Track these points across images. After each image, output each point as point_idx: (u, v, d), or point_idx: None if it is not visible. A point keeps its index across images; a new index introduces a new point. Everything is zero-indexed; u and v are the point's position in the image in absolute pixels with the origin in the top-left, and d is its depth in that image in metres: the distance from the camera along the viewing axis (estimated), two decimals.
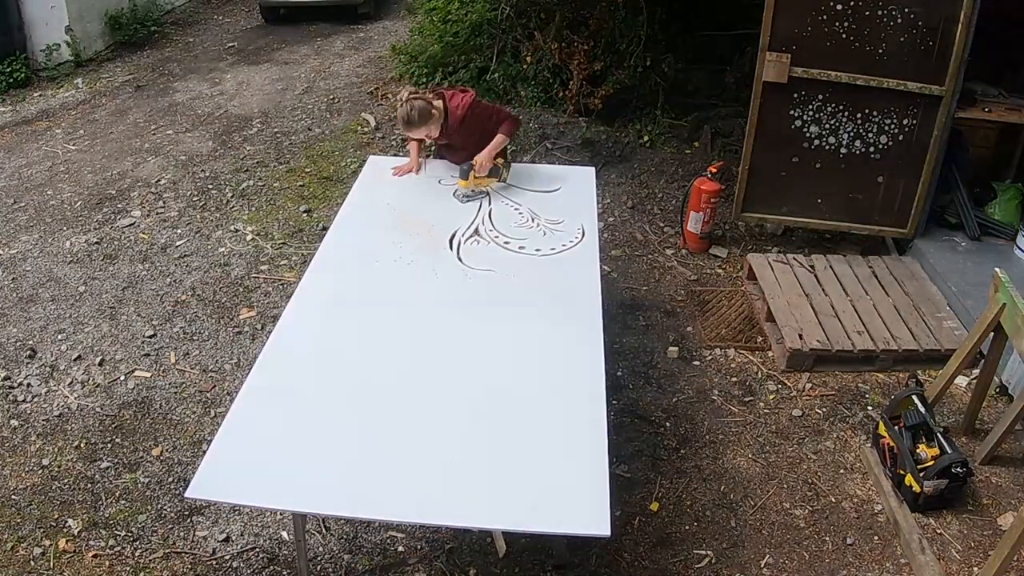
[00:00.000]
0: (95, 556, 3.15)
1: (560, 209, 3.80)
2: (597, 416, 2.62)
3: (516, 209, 3.81)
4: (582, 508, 2.33)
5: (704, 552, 3.23)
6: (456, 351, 2.93)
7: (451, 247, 3.49)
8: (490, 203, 3.85)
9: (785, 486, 3.53)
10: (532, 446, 2.54)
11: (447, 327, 3.04)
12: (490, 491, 2.40)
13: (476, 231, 3.61)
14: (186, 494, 2.39)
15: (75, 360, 4.16)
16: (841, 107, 4.61)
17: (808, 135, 4.71)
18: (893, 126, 4.61)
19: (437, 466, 2.46)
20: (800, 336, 4.14)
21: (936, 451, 3.29)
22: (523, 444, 2.55)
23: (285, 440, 2.53)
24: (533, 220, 3.72)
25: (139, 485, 3.46)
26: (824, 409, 3.94)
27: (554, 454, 2.51)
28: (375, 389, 2.75)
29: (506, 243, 3.54)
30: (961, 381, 3.95)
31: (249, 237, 5.19)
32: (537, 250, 3.51)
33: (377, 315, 3.10)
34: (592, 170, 4.28)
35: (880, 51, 4.43)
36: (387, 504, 2.37)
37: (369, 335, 2.99)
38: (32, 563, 3.12)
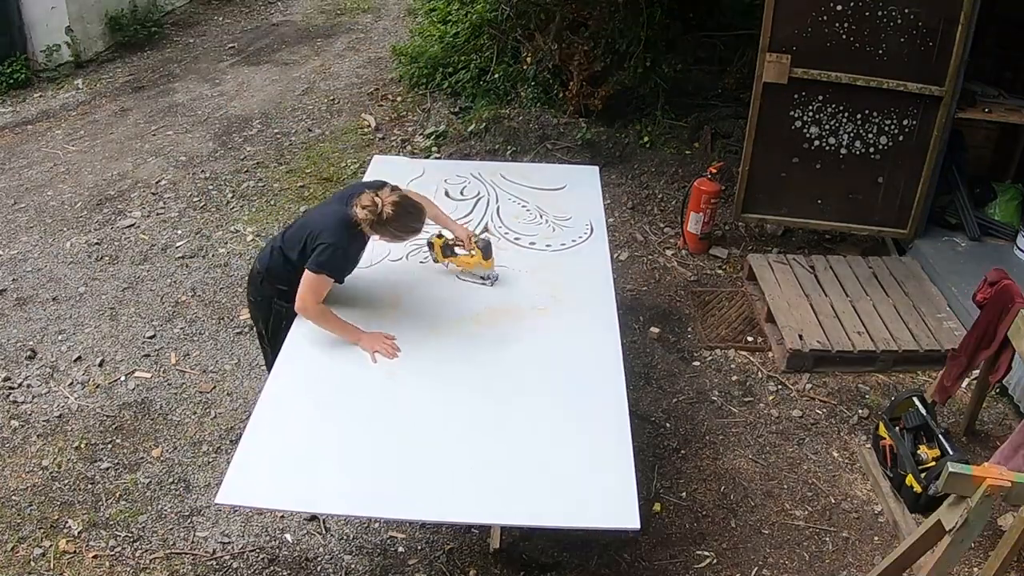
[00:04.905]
0: (95, 557, 3.15)
1: (567, 207, 3.82)
2: (620, 413, 2.66)
3: (523, 206, 3.82)
4: (611, 504, 2.37)
5: (704, 552, 3.23)
6: (475, 349, 2.95)
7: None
8: (497, 200, 3.86)
9: (785, 487, 3.54)
10: (558, 443, 2.57)
11: (464, 325, 3.06)
12: (521, 490, 2.43)
13: (486, 228, 3.63)
14: (216, 500, 2.43)
15: (75, 361, 4.16)
16: (841, 108, 4.61)
17: (808, 136, 4.71)
18: (893, 127, 4.61)
19: (468, 466, 2.49)
20: (800, 337, 4.14)
21: (937, 452, 3.29)
22: (549, 441, 2.58)
23: (311, 444, 2.55)
24: (541, 216, 3.74)
25: (139, 486, 3.46)
26: (824, 410, 3.95)
27: (580, 451, 2.54)
28: (396, 390, 2.76)
29: (516, 239, 3.57)
30: (961, 382, 3.95)
31: (249, 238, 5.19)
32: (548, 245, 3.54)
33: (391, 314, 3.10)
34: (596, 169, 4.28)
35: (880, 52, 4.43)
36: (418, 504, 2.40)
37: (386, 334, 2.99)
38: (32, 563, 3.12)
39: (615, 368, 2.84)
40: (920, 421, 3.41)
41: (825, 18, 4.40)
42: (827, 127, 4.67)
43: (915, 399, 3.50)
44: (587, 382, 2.80)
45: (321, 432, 2.60)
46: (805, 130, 4.70)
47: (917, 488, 3.24)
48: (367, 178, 4.07)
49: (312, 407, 2.70)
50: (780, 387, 4.09)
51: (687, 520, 3.37)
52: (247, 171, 6.01)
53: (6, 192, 5.70)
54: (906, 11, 4.31)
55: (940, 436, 3.32)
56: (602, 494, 2.40)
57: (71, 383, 4.02)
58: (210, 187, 5.79)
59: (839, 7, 4.36)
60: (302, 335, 2.98)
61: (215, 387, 4.01)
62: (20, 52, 7.41)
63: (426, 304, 3.16)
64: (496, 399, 2.73)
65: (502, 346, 2.96)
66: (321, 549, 3.20)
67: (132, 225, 5.33)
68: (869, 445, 3.66)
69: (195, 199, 5.63)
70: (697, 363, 4.25)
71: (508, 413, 2.68)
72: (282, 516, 3.32)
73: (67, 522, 3.29)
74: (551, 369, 2.86)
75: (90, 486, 3.46)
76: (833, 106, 4.61)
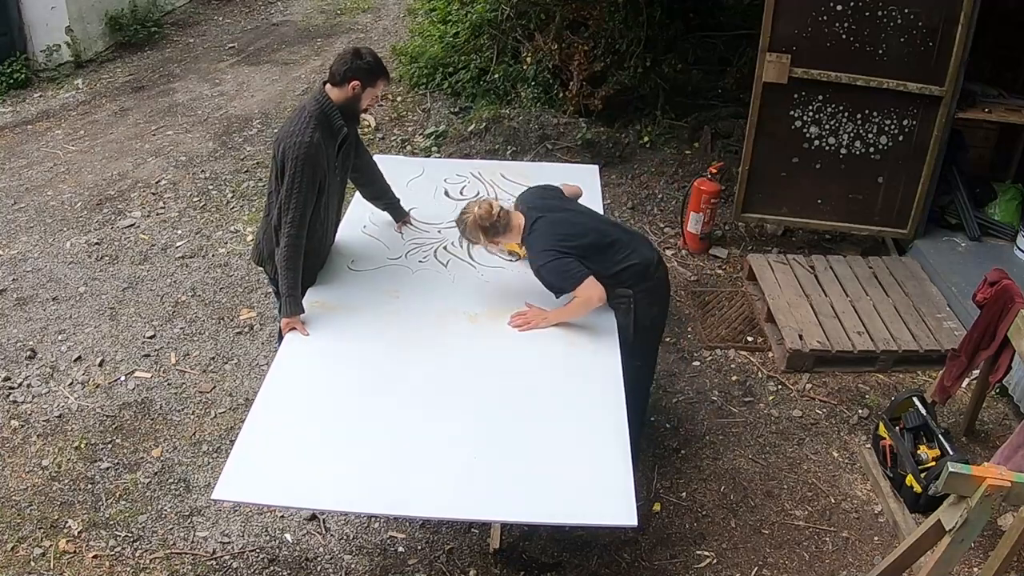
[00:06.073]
0: (95, 557, 3.15)
1: None
2: (619, 413, 2.66)
3: None
4: (609, 501, 2.38)
5: (704, 552, 3.23)
6: (474, 348, 2.95)
7: (461, 244, 3.50)
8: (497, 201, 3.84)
9: (785, 486, 3.54)
10: (556, 441, 2.58)
11: (463, 325, 3.06)
12: (519, 487, 2.43)
13: None
14: (212, 496, 2.42)
15: (75, 361, 4.16)
16: (841, 108, 4.61)
17: (808, 136, 4.71)
18: (893, 126, 4.61)
19: (466, 463, 2.49)
20: (800, 337, 4.14)
21: (937, 452, 3.29)
22: (547, 439, 2.58)
23: (310, 441, 2.55)
24: None
25: (139, 485, 3.46)
26: (824, 410, 3.95)
27: (579, 449, 2.54)
28: (395, 388, 2.76)
29: None
30: (961, 382, 3.95)
31: (249, 238, 5.18)
32: None
33: (391, 312, 3.11)
34: (595, 168, 4.27)
35: (880, 51, 4.43)
36: (417, 502, 2.40)
37: (385, 334, 3.00)
38: (32, 563, 3.12)
39: (614, 368, 2.85)
40: (920, 421, 3.41)
41: (825, 18, 4.40)
42: (827, 127, 4.67)
43: (915, 399, 3.50)
44: (586, 381, 2.81)
45: (320, 429, 2.60)
46: (805, 130, 4.70)
47: (917, 488, 3.24)
48: None
49: (311, 404, 2.69)
50: (780, 387, 4.09)
51: (687, 520, 3.37)
52: (247, 171, 6.01)
53: (6, 192, 5.70)
54: (906, 11, 4.31)
55: (940, 436, 3.32)
56: (600, 491, 2.41)
57: (71, 383, 4.02)
58: (210, 187, 5.79)
59: (839, 7, 4.36)
60: (300, 334, 2.98)
61: (215, 387, 4.01)
62: (20, 52, 7.41)
63: (426, 303, 3.16)
64: (495, 397, 2.74)
65: (501, 345, 2.96)
66: (321, 549, 3.20)
67: (132, 225, 5.33)
68: (869, 445, 3.66)
69: (195, 199, 5.63)
70: (697, 363, 4.25)
71: (506, 412, 2.68)
72: (282, 516, 3.32)
73: (67, 522, 3.29)
74: (550, 369, 2.87)
75: (90, 486, 3.46)
76: (833, 106, 4.61)
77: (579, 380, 2.82)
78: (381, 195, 3.59)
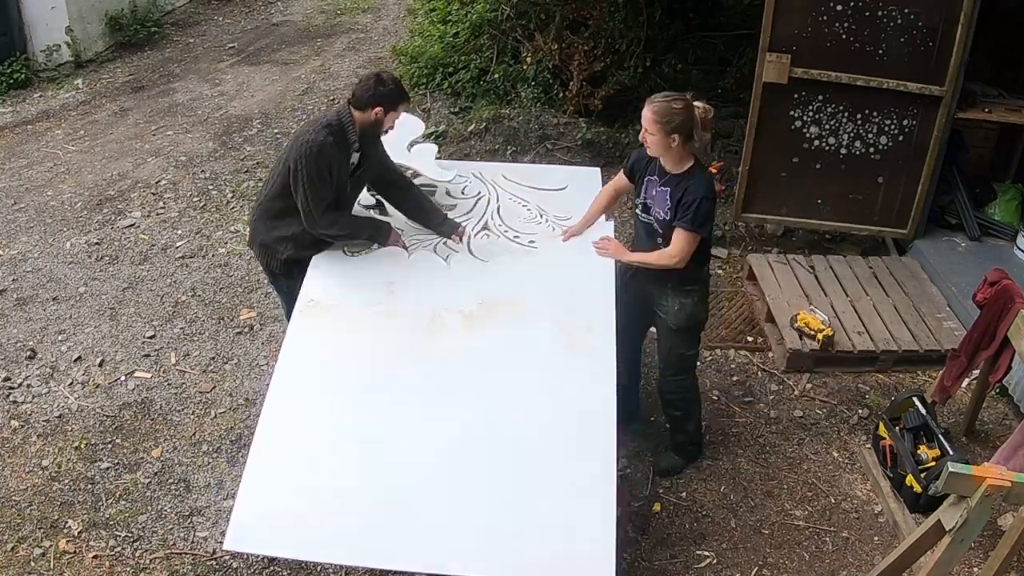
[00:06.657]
0: (95, 557, 3.15)
1: (567, 207, 3.78)
2: (608, 465, 2.65)
3: (524, 206, 3.80)
4: (592, 562, 2.42)
5: (704, 552, 3.23)
6: (472, 361, 2.95)
7: (461, 240, 3.50)
8: (498, 200, 3.85)
9: (785, 486, 3.54)
10: (544, 494, 2.60)
11: (458, 333, 3.05)
12: (508, 542, 2.49)
13: (485, 225, 3.62)
14: (224, 547, 2.51)
15: (75, 361, 4.16)
16: (841, 108, 4.61)
17: (808, 136, 4.71)
18: (893, 127, 4.61)
19: (454, 514, 2.54)
20: (800, 337, 4.14)
21: (937, 452, 3.29)
22: (535, 492, 2.61)
23: (307, 490, 2.61)
24: (541, 216, 3.72)
25: (139, 485, 3.46)
26: (824, 410, 3.95)
27: (564, 507, 2.57)
28: (393, 420, 2.78)
29: (515, 237, 3.55)
30: (961, 382, 3.95)
31: (249, 238, 5.18)
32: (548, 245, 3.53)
33: (393, 315, 3.10)
34: (597, 170, 4.26)
35: (880, 52, 4.43)
36: (410, 554, 2.47)
37: (385, 336, 3.00)
38: (32, 564, 3.12)
39: (607, 414, 2.80)
40: (920, 421, 3.41)
41: (825, 18, 4.40)
42: (827, 127, 4.67)
43: (915, 399, 3.50)
44: (580, 419, 2.78)
45: (316, 478, 2.64)
46: (805, 130, 4.70)
47: (917, 488, 3.24)
48: None
49: (304, 452, 2.71)
50: (780, 387, 4.09)
51: (687, 520, 3.37)
52: (247, 171, 6.01)
53: (6, 192, 5.70)
54: (906, 11, 4.31)
55: (940, 436, 3.32)
56: (583, 553, 2.46)
57: (71, 383, 4.02)
58: (210, 187, 5.79)
59: (839, 7, 4.36)
60: (292, 365, 2.97)
61: (215, 387, 4.01)
62: (20, 52, 7.41)
63: (424, 301, 3.16)
64: (494, 397, 2.77)
65: (501, 346, 2.95)
66: None
67: (132, 225, 5.33)
68: (869, 445, 3.66)
69: (195, 199, 5.63)
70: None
71: (497, 456, 2.69)
72: None
73: (67, 522, 3.29)
74: (545, 393, 2.85)
75: (90, 486, 3.46)
76: (833, 106, 4.61)
77: (575, 384, 2.82)
78: (426, 220, 3.54)
